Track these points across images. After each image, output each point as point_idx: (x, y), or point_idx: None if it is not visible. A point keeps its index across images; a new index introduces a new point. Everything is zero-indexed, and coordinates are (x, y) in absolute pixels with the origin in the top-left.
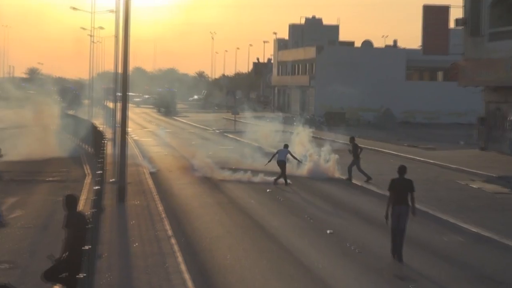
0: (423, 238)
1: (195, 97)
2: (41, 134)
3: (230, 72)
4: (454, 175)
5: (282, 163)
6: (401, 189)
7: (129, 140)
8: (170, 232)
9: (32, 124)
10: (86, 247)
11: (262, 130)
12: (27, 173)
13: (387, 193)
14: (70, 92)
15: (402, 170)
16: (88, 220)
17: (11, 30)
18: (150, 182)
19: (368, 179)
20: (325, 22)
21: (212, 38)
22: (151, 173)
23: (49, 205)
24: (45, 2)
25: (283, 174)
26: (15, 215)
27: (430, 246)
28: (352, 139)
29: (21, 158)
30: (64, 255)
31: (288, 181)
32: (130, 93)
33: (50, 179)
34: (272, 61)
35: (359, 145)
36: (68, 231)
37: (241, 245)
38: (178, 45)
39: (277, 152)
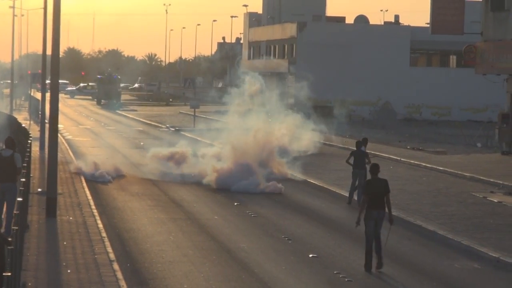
0: (430, 264)
1: (136, 85)
2: None
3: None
4: (469, 185)
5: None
6: (378, 192)
7: (61, 140)
8: (112, 256)
9: None
10: (6, 274)
11: (230, 128)
12: None
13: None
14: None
15: (375, 169)
16: (5, 239)
17: None
18: (87, 192)
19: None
20: None
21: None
22: (88, 182)
23: None
24: None
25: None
26: None
27: (438, 274)
28: (361, 143)
29: None
30: None
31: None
32: (62, 81)
33: None
34: (241, 41)
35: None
36: None
37: (202, 272)
38: (122, 21)
39: (352, 155)
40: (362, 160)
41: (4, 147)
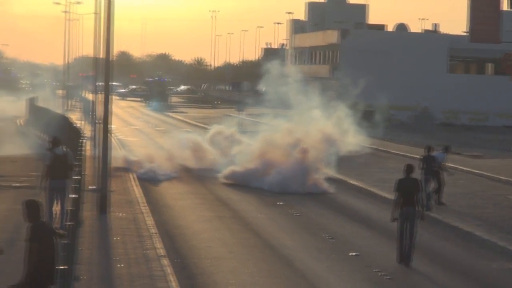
0: (467, 265)
1: (182, 87)
2: (4, 130)
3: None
4: (505, 188)
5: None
6: (408, 190)
7: (113, 140)
8: (161, 251)
9: None
10: (61, 267)
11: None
12: None
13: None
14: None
15: (410, 169)
16: (59, 233)
17: None
18: (137, 190)
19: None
20: (351, 0)
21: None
22: (140, 179)
23: (16, 216)
24: None
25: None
26: None
27: (475, 274)
28: (430, 149)
29: None
30: (26, 278)
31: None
32: (113, 83)
33: (17, 184)
34: (286, 47)
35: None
36: (32, 246)
37: (247, 268)
38: (171, 26)
39: (422, 160)
40: (431, 165)
41: (51, 145)
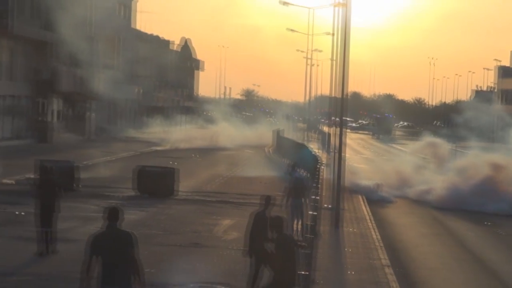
0: None
1: (402, 123)
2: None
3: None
4: None
5: None
6: None
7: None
8: (386, 261)
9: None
10: (302, 272)
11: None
12: (242, 195)
13: None
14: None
15: None
16: (299, 244)
17: (228, 51)
18: (366, 209)
19: None
20: None
21: (432, 64)
22: (368, 200)
23: None
24: (261, 23)
25: None
26: (231, 237)
27: None
28: None
29: (244, 175)
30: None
31: None
32: (346, 118)
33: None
34: (494, 90)
35: None
36: (277, 254)
37: (458, 279)
38: (396, 70)
39: None
40: None
41: (291, 170)
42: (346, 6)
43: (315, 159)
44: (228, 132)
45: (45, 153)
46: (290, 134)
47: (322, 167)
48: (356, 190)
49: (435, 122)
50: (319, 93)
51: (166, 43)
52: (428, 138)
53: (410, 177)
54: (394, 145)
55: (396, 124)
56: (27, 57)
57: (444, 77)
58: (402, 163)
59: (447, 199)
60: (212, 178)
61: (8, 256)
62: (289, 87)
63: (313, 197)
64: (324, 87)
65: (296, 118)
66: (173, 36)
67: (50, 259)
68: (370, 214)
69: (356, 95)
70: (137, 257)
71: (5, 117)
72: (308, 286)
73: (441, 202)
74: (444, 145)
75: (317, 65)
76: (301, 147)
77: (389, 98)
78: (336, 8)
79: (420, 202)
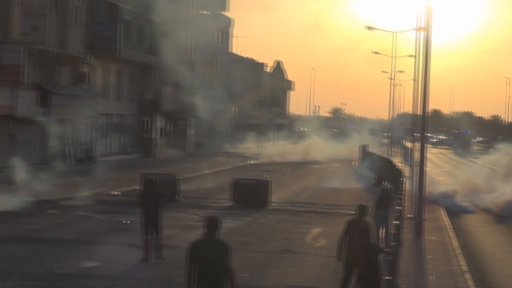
0: None
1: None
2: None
3: None
4: None
5: None
6: None
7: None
8: (465, 268)
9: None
10: (386, 277)
11: None
12: (330, 206)
13: None
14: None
15: None
16: (384, 251)
17: (317, 72)
18: (445, 219)
19: None
20: None
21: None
22: (447, 210)
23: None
24: (348, 46)
25: None
26: (320, 244)
27: None
28: None
29: (332, 186)
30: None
31: None
32: (427, 134)
33: (351, 212)
34: None
35: None
36: (360, 259)
37: None
38: (474, 89)
39: None
40: None
41: (377, 182)
42: (427, 30)
43: (399, 172)
44: (317, 146)
45: (149, 167)
46: (375, 149)
47: (405, 179)
48: (435, 197)
49: (498, 137)
50: (401, 111)
51: (260, 65)
52: (506, 149)
53: (489, 188)
54: (472, 159)
55: (473, 140)
56: (133, 79)
57: None
58: (480, 175)
59: None
60: (302, 189)
61: (116, 261)
62: (374, 105)
63: (397, 207)
64: (406, 105)
65: (381, 134)
66: (266, 59)
67: (154, 264)
68: (449, 223)
69: (436, 113)
70: (231, 265)
71: (113, 134)
72: None
73: None
74: None
75: (400, 85)
76: (386, 162)
77: (468, 115)
78: (418, 32)
79: (498, 212)
